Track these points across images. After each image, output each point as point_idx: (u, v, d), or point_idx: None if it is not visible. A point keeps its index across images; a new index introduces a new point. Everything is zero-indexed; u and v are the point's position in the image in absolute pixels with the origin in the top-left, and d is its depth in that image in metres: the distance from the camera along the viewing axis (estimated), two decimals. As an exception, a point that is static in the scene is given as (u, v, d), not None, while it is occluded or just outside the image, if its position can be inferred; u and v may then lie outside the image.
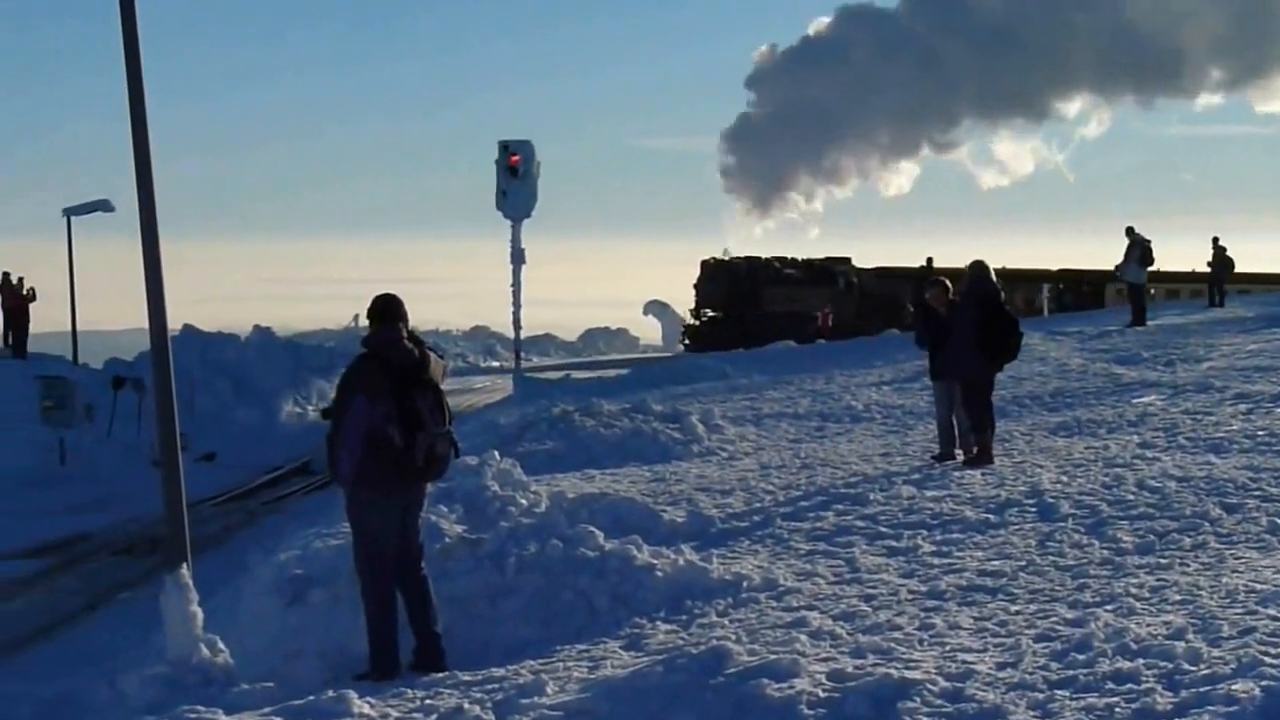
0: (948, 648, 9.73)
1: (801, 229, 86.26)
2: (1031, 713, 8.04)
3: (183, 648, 11.41)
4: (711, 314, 65.33)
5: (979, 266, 18.55)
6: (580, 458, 21.39)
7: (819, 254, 68.93)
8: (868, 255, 71.09)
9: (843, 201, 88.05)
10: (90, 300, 51.00)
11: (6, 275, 43.50)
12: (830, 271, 66.57)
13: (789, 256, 68.00)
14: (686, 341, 65.74)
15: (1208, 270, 47.02)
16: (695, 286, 66.21)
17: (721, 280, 65.11)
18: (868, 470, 18.26)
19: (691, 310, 66.74)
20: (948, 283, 19.35)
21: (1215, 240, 45.04)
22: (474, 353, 61.23)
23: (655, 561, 12.93)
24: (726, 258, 66.47)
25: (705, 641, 10.30)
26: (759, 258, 67.34)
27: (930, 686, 8.49)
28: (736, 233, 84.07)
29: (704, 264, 66.27)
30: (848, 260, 68.02)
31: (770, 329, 58.96)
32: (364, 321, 11.70)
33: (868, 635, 10.34)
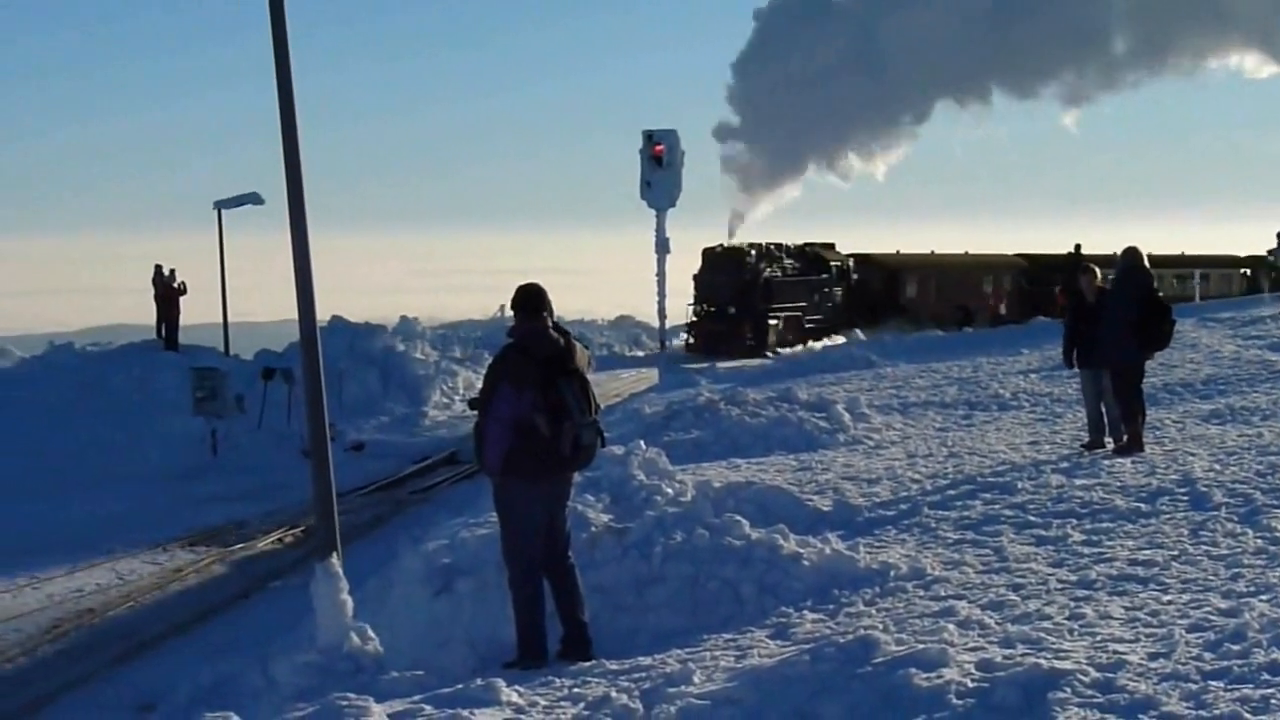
0: (1098, 638, 9.61)
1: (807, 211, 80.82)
2: (1185, 704, 7.92)
3: (333, 636, 11.56)
4: (713, 309, 57.13)
5: (1133, 254, 18.24)
6: (725, 446, 21.40)
7: (800, 240, 62.78)
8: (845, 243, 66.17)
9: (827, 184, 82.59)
10: (240, 292, 51.63)
11: (158, 268, 44.23)
12: (823, 259, 61.72)
13: (783, 244, 61.11)
14: (690, 341, 57.71)
15: None
16: (695, 278, 58.50)
17: (729, 271, 57.38)
18: (1016, 459, 18.10)
19: (692, 305, 58.33)
20: (1097, 270, 19.12)
21: None
22: (619, 342, 61.08)
23: (802, 550, 12.90)
24: (733, 242, 60.59)
25: (852, 631, 10.25)
26: (760, 244, 60.08)
27: (1081, 677, 8.39)
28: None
29: (706, 253, 58.95)
30: (832, 246, 63.52)
31: (777, 325, 56.23)
32: (509, 312, 11.75)
33: (1017, 625, 10.24)
